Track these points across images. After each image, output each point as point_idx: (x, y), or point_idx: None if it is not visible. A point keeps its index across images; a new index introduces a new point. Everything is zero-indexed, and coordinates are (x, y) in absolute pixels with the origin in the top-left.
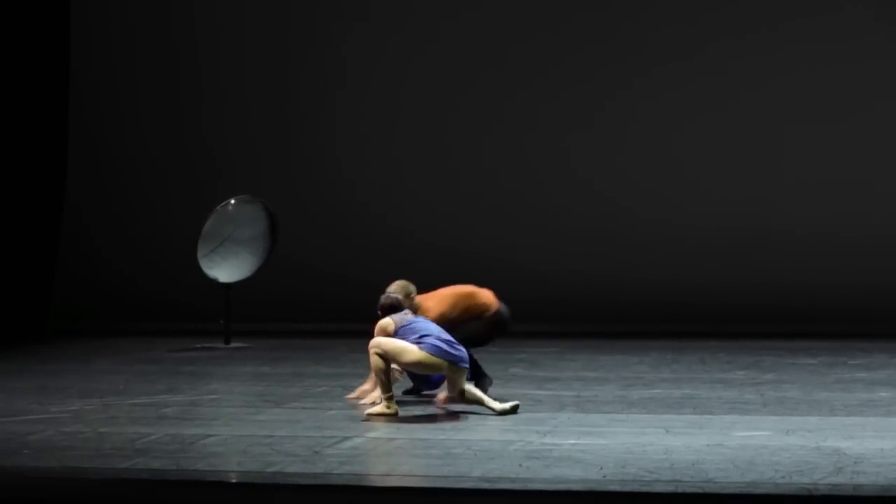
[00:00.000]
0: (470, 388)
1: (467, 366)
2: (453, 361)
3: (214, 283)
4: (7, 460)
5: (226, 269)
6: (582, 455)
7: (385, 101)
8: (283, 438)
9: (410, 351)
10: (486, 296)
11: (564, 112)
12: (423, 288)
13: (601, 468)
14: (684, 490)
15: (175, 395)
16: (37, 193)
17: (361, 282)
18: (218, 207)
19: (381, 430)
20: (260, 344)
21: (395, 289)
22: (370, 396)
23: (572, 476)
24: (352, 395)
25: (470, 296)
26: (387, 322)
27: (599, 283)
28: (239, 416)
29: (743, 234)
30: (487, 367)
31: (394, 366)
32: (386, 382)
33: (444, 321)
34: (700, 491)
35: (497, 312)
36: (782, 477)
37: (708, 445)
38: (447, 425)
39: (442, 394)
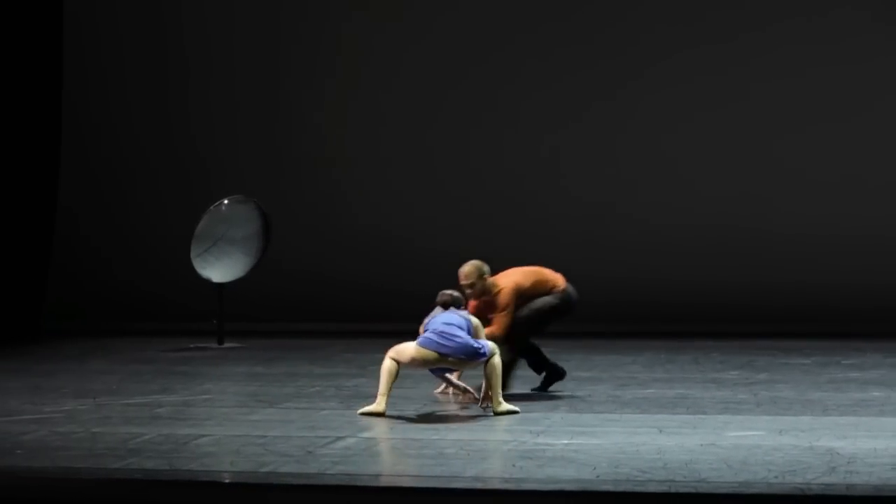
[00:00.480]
0: (493, 362)
1: (458, 356)
2: (441, 353)
3: (208, 283)
4: (0, 460)
5: (219, 270)
6: (575, 455)
7: (374, 102)
8: (276, 438)
9: (407, 348)
10: (556, 274)
11: (556, 112)
12: (422, 288)
13: (594, 468)
14: (677, 490)
15: (168, 395)
16: (30, 194)
17: (355, 282)
18: (211, 207)
19: (375, 430)
20: (253, 344)
21: (469, 269)
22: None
23: (565, 476)
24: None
25: (541, 272)
26: (424, 322)
27: (592, 283)
28: (232, 417)
29: (736, 234)
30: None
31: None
32: (387, 383)
33: (518, 292)
34: (693, 491)
35: (565, 290)
36: (775, 477)
37: (701, 445)
38: (440, 425)
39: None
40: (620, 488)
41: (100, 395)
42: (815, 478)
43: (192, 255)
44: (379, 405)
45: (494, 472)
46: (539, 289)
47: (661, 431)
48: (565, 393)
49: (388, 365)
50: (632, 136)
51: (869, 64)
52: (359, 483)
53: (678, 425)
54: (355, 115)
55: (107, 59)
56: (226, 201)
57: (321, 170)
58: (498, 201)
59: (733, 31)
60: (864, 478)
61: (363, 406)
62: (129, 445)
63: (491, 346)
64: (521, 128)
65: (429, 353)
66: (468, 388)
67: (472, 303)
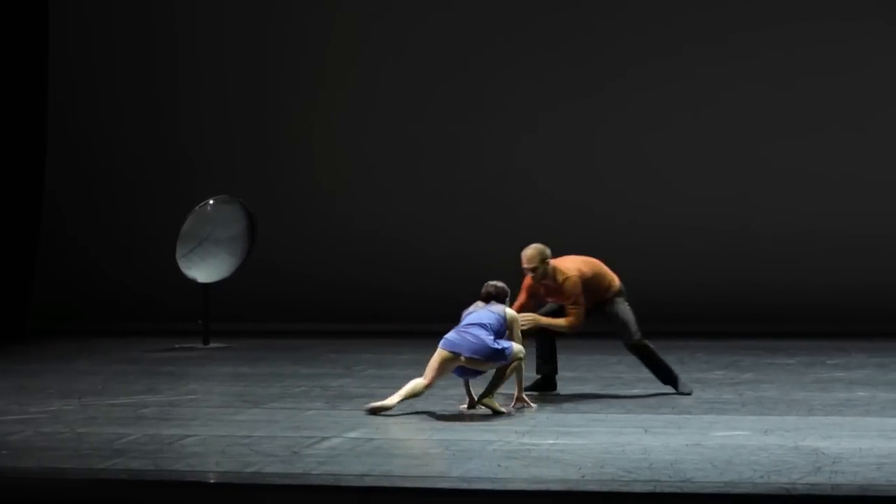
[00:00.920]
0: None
1: (472, 355)
2: (453, 351)
3: (193, 283)
4: None
5: (204, 270)
6: (560, 455)
7: (361, 102)
8: (261, 439)
9: (432, 359)
10: (610, 271)
11: (541, 113)
12: (409, 288)
13: (580, 468)
14: (662, 490)
15: (154, 395)
16: (15, 193)
17: (340, 282)
18: (196, 208)
19: (360, 430)
20: (238, 344)
21: (532, 253)
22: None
23: (551, 476)
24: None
25: (600, 265)
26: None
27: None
28: (217, 417)
29: (721, 234)
30: None
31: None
32: (407, 392)
33: (584, 281)
34: (678, 491)
35: (621, 289)
36: (760, 477)
37: (686, 445)
38: (426, 425)
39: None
40: (606, 488)
41: (85, 396)
42: (800, 478)
43: (178, 255)
44: (390, 400)
45: (480, 472)
46: (599, 282)
47: (646, 431)
48: (550, 393)
49: (416, 381)
50: (618, 136)
51: (855, 66)
52: (344, 483)
53: (663, 425)
54: (341, 116)
55: (94, 58)
56: (211, 201)
57: (306, 170)
58: (484, 201)
59: (721, 31)
60: (850, 478)
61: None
62: (114, 446)
63: (517, 348)
64: (507, 128)
65: (445, 354)
66: (498, 407)
67: (528, 281)
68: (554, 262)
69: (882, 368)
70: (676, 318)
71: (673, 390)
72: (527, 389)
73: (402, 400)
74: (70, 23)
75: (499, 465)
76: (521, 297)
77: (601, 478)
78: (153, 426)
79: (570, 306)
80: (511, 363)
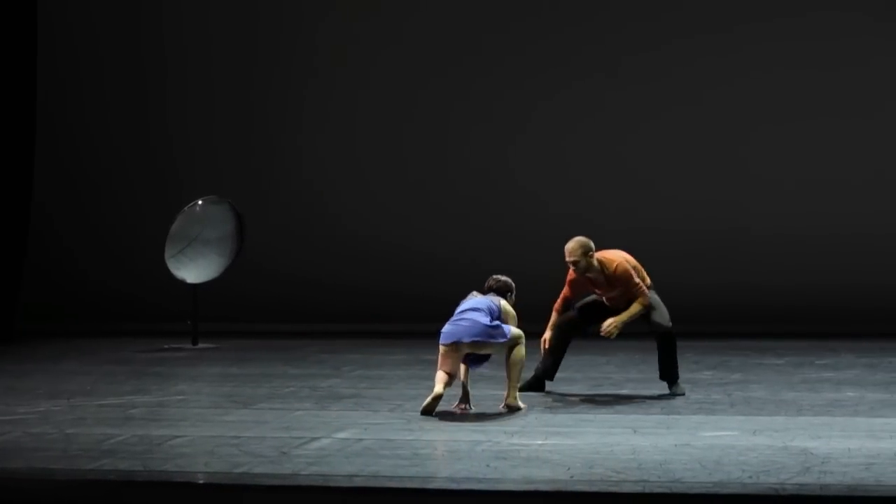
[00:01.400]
0: (517, 353)
1: (475, 341)
2: (454, 341)
3: (182, 283)
4: None
5: (193, 270)
6: (550, 455)
7: (349, 103)
8: (250, 439)
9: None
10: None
11: (528, 115)
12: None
13: (569, 468)
14: (652, 490)
15: (142, 395)
16: (3, 194)
17: (329, 283)
18: (185, 208)
19: (349, 430)
20: (227, 345)
21: (573, 246)
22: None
23: (540, 476)
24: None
25: (635, 261)
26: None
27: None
28: (206, 417)
29: (709, 236)
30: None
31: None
32: (442, 380)
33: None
34: (667, 491)
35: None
36: (749, 477)
37: (675, 445)
38: (415, 426)
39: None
40: (595, 488)
41: (74, 396)
42: (789, 478)
43: (167, 255)
44: (436, 390)
45: (469, 472)
46: (640, 274)
47: (635, 432)
48: (539, 393)
49: (440, 379)
50: (607, 137)
51: (844, 63)
52: (333, 484)
53: (652, 426)
54: (330, 116)
55: (81, 59)
56: (200, 202)
57: (295, 170)
58: (473, 201)
59: (709, 28)
60: (838, 478)
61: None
62: (103, 446)
63: (514, 332)
64: (496, 128)
65: (444, 348)
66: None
67: (571, 275)
68: (598, 255)
69: (871, 368)
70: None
71: (666, 390)
72: (522, 388)
73: (444, 384)
74: (58, 24)
75: (488, 466)
76: (566, 290)
77: (590, 478)
78: (142, 427)
79: (634, 288)
80: (514, 352)
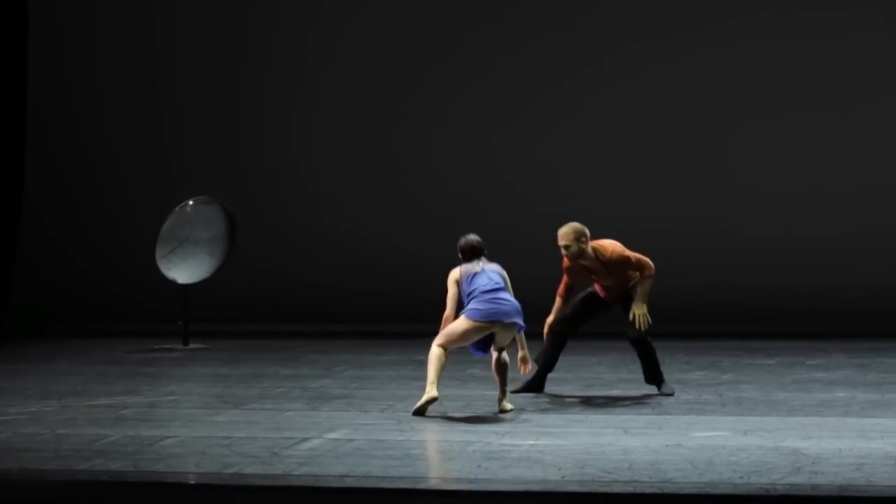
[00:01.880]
0: (505, 357)
1: (514, 322)
2: (496, 321)
3: (173, 284)
4: None
5: (184, 271)
6: (541, 456)
7: (340, 103)
8: (241, 440)
9: (456, 328)
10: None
11: (518, 115)
12: (388, 289)
13: (560, 469)
14: (643, 490)
15: (134, 396)
16: None
17: (320, 283)
18: (176, 208)
19: (340, 431)
20: (218, 345)
21: (566, 231)
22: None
23: (531, 477)
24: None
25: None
26: (454, 273)
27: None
28: (197, 418)
29: (701, 237)
30: (449, 367)
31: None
32: (437, 370)
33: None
34: (658, 491)
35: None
36: (740, 477)
37: (666, 446)
38: (406, 426)
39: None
40: (586, 489)
41: (65, 397)
42: (780, 478)
43: (158, 256)
44: (430, 393)
45: (460, 473)
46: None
47: (626, 432)
48: (530, 394)
49: (436, 353)
50: (598, 138)
51: (842, 62)
52: (324, 484)
53: (643, 426)
54: (321, 117)
55: (73, 58)
56: (191, 202)
57: (287, 171)
58: (464, 202)
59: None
60: (829, 478)
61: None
62: (94, 447)
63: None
64: (487, 128)
65: (479, 324)
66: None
67: (567, 262)
68: (592, 243)
69: (862, 369)
70: (656, 318)
71: (655, 390)
72: (516, 391)
73: (437, 382)
74: (50, 23)
75: (479, 466)
76: (565, 279)
77: (581, 478)
78: (133, 427)
79: (635, 264)
80: (501, 357)
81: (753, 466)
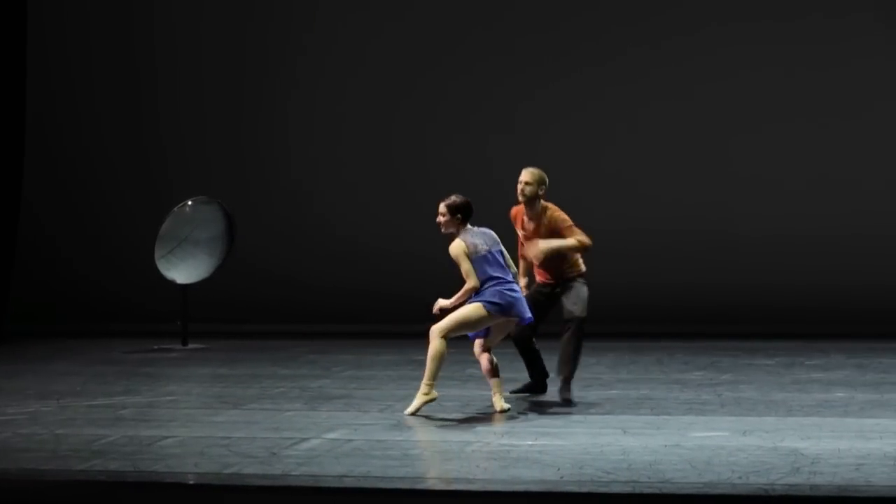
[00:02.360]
0: (494, 358)
1: (521, 318)
2: (510, 316)
3: (172, 284)
4: None
5: (183, 271)
6: (539, 456)
7: (336, 106)
8: (240, 440)
9: (471, 316)
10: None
11: (513, 114)
12: (386, 289)
13: (558, 469)
14: (641, 490)
15: (132, 396)
16: None
17: (319, 284)
18: (175, 209)
19: (339, 431)
20: (217, 345)
21: (535, 170)
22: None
23: (530, 477)
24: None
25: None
26: (461, 246)
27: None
28: (196, 418)
29: (699, 237)
30: (448, 367)
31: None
32: (437, 369)
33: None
34: (657, 491)
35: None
36: (739, 477)
37: (665, 446)
38: (405, 426)
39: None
40: (584, 489)
41: (63, 397)
42: (778, 478)
43: (157, 256)
44: (431, 394)
45: (459, 473)
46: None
47: (625, 432)
48: (529, 394)
49: (440, 348)
50: (596, 138)
51: (838, 63)
52: (323, 484)
53: (642, 426)
54: (318, 118)
55: (71, 58)
56: (190, 202)
57: (285, 172)
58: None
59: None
60: (828, 478)
61: (407, 407)
62: (92, 447)
63: None
64: (478, 130)
65: (494, 316)
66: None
67: (513, 211)
68: (546, 202)
69: (860, 369)
70: (656, 319)
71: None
72: (516, 391)
73: (432, 384)
74: (48, 25)
75: (478, 466)
76: (520, 249)
77: (580, 478)
78: (132, 427)
79: (567, 229)
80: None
81: (752, 467)
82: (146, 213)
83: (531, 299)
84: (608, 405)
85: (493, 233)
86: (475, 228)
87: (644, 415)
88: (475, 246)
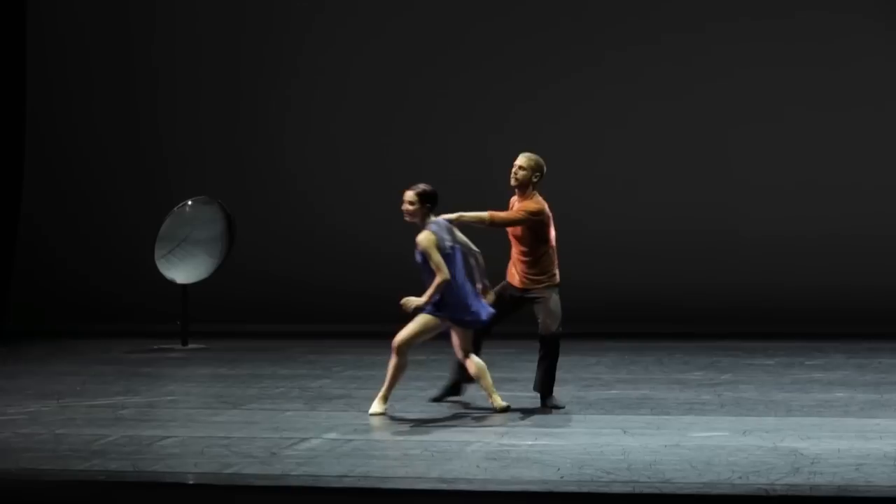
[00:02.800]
0: (479, 361)
1: (476, 322)
2: (472, 328)
3: (172, 284)
4: None
5: (183, 271)
6: (539, 456)
7: (334, 106)
8: (240, 440)
9: (428, 324)
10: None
11: (511, 115)
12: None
13: (559, 469)
14: (641, 490)
15: (132, 396)
16: None
17: (319, 284)
18: (175, 209)
19: (339, 431)
20: (217, 345)
21: (531, 155)
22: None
23: (530, 477)
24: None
25: None
26: (430, 237)
27: None
28: (196, 418)
29: (699, 237)
30: (447, 367)
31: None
32: (393, 383)
33: (545, 216)
34: (657, 491)
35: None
36: (739, 477)
37: (665, 446)
38: (405, 426)
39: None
40: (584, 489)
41: (63, 397)
42: (778, 478)
43: (156, 256)
44: (383, 407)
45: (459, 472)
46: (553, 259)
47: (625, 432)
48: (529, 394)
49: (400, 364)
50: (597, 140)
51: (838, 64)
52: (323, 484)
53: (642, 426)
54: (316, 119)
55: (70, 58)
56: (190, 202)
57: (284, 172)
58: (456, 204)
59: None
60: (828, 478)
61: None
62: (92, 447)
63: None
64: (476, 129)
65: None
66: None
67: (512, 202)
68: (536, 197)
69: (860, 369)
70: (655, 319)
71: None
72: (436, 399)
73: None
74: (47, 28)
75: (478, 466)
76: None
77: (580, 478)
78: (132, 427)
79: (514, 211)
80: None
81: (752, 467)
82: (146, 213)
83: (497, 296)
84: (608, 405)
85: (447, 223)
86: (437, 219)
87: (644, 415)
88: (443, 241)
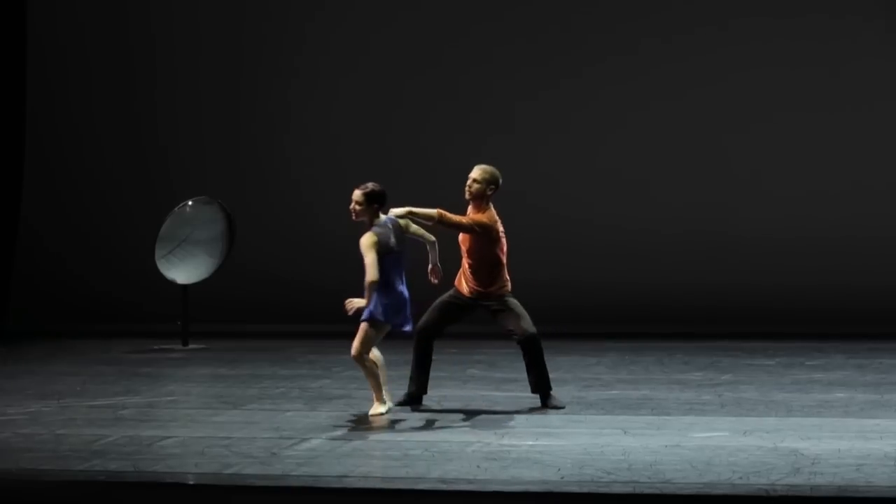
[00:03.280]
0: (378, 355)
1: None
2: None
3: (172, 284)
4: None
5: (183, 271)
6: (540, 456)
7: (336, 107)
8: (240, 440)
9: (370, 331)
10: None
11: (511, 115)
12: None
13: (559, 469)
14: (642, 491)
15: (132, 396)
16: None
17: (319, 284)
18: (175, 209)
19: (339, 431)
20: (217, 345)
21: (487, 167)
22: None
23: (530, 477)
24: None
25: None
26: (371, 238)
27: (556, 285)
28: (196, 418)
29: (699, 237)
30: (448, 367)
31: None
32: (378, 385)
33: (494, 226)
34: (658, 492)
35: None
36: (740, 478)
37: (665, 446)
38: (405, 426)
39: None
40: (585, 489)
41: (64, 397)
42: (779, 479)
43: (157, 256)
44: (383, 408)
45: (459, 473)
46: (503, 270)
47: (625, 432)
48: (529, 394)
49: (370, 367)
50: (596, 140)
51: (836, 64)
52: (323, 485)
53: (642, 426)
54: (317, 120)
55: (70, 58)
56: (190, 202)
57: (284, 172)
58: (456, 204)
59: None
60: (829, 478)
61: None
62: (93, 447)
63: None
64: (478, 130)
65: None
66: None
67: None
68: (490, 211)
69: (860, 369)
70: (655, 319)
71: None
72: (400, 403)
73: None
74: (47, 28)
75: (478, 467)
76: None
77: (580, 479)
78: (132, 427)
79: (467, 218)
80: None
81: (753, 467)
82: (146, 213)
83: (443, 303)
84: (608, 405)
85: (396, 222)
86: (385, 218)
87: (644, 415)
88: (387, 243)
